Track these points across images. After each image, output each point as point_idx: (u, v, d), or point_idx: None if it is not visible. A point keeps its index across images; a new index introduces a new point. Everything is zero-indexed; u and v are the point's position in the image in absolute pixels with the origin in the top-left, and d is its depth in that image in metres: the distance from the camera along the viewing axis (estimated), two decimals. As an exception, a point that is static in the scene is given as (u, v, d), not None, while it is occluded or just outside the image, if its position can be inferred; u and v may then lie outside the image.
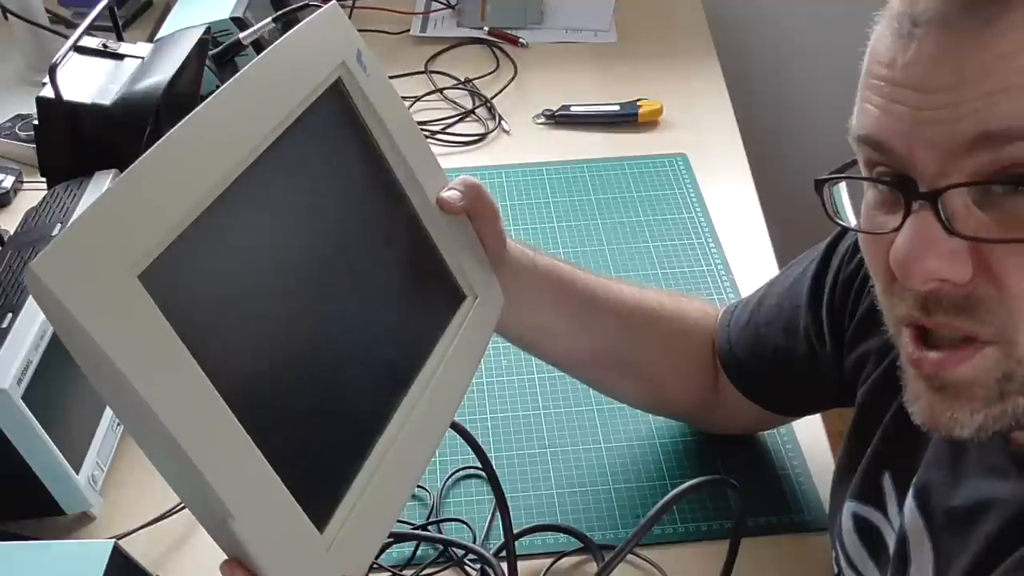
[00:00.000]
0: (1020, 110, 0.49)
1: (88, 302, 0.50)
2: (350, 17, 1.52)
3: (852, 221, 0.59)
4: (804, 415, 0.94)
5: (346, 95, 0.70)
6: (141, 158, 0.55)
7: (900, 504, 0.69)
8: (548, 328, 0.86)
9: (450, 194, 0.76)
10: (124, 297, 0.51)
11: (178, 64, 1.08)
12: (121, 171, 1.04)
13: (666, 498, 0.80)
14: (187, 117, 0.58)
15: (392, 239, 0.73)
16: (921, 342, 0.56)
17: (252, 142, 0.61)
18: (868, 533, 0.73)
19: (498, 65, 1.55)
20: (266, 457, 0.57)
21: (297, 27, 0.68)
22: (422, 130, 1.40)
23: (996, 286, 0.52)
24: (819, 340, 0.81)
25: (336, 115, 0.69)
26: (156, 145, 0.55)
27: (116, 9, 1.20)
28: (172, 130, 0.56)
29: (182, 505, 0.91)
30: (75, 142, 1.04)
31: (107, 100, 1.04)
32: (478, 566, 0.86)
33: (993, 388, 0.53)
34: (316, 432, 0.63)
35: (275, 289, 0.62)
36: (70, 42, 1.06)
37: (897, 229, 0.53)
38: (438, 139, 1.39)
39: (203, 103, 0.59)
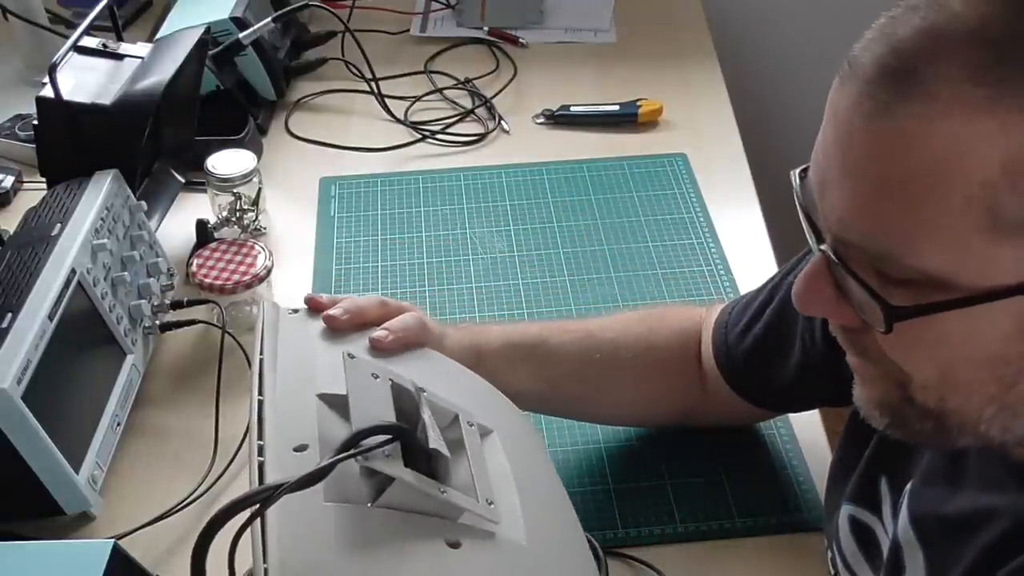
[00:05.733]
0: (849, 220, 0.52)
1: None
2: (349, 17, 1.52)
3: None
4: (802, 411, 0.95)
5: None
6: None
7: (895, 508, 0.69)
8: (516, 390, 0.81)
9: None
10: None
11: (178, 64, 1.08)
12: (121, 171, 1.05)
13: None
14: None
15: None
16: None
17: None
18: (864, 537, 0.73)
19: (498, 65, 1.55)
20: None
21: None
22: (422, 130, 1.41)
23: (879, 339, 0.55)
24: (811, 340, 0.81)
25: None
26: None
27: (116, 9, 1.19)
28: None
29: (182, 505, 0.91)
30: (75, 142, 1.04)
31: (107, 100, 1.04)
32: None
33: (891, 407, 0.58)
34: None
35: None
36: (70, 42, 1.06)
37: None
38: (438, 139, 1.39)
39: None
